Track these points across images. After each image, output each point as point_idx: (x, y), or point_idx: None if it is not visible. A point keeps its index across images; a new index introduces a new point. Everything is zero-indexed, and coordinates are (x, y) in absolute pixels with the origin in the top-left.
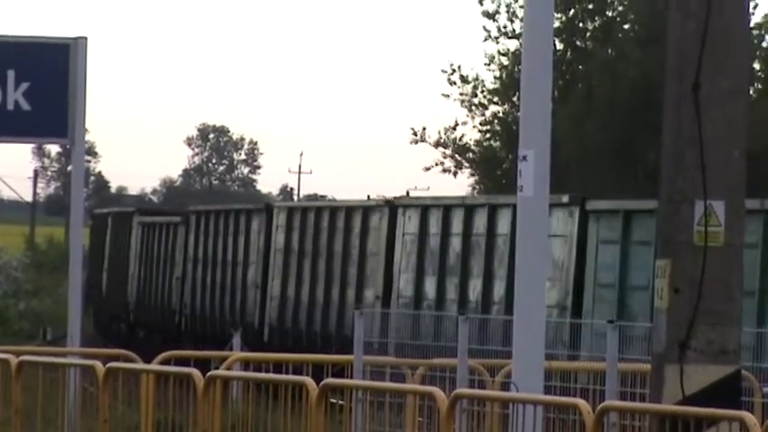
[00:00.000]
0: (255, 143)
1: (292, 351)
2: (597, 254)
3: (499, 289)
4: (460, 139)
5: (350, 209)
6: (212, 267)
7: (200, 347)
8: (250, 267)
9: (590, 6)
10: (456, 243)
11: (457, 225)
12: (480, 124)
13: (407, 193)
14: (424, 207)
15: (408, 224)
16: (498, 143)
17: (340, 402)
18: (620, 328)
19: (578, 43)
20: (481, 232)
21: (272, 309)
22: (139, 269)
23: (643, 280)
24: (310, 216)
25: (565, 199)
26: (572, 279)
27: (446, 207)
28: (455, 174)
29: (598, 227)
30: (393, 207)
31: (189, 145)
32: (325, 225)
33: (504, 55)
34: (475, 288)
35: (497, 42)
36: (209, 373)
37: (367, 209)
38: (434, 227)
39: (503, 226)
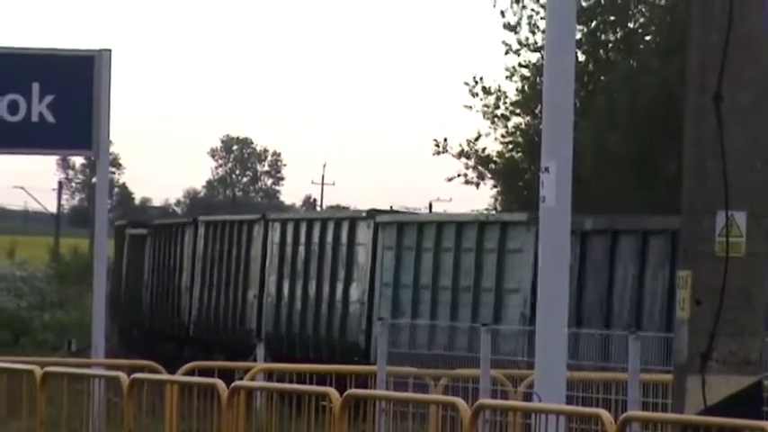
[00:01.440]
0: (279, 155)
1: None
2: (383, 258)
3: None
4: (483, 151)
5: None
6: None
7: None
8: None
9: (612, 18)
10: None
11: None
12: (502, 136)
13: (431, 205)
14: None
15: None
16: (520, 154)
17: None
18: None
19: (600, 54)
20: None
21: (267, 314)
22: (151, 278)
23: (409, 279)
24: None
25: (364, 214)
26: (368, 279)
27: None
28: (477, 185)
29: (384, 235)
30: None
31: (212, 156)
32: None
33: (525, 67)
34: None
35: (519, 55)
36: (233, 384)
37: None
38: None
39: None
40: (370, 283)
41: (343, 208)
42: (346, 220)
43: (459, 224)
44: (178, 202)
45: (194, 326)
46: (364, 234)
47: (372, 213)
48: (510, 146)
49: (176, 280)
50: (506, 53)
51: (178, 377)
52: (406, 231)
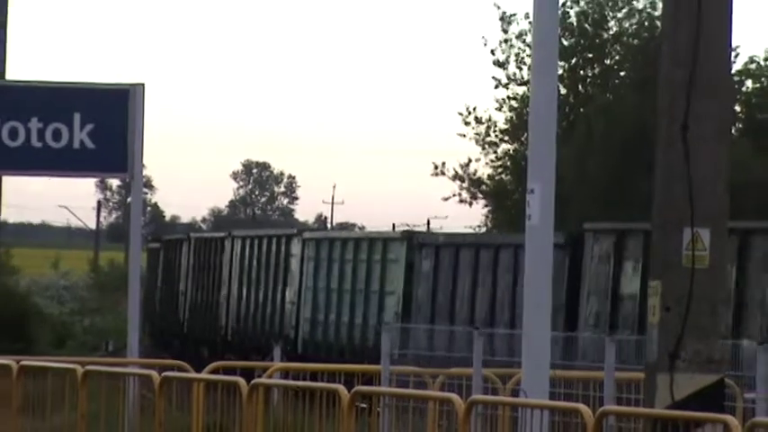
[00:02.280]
0: (293, 177)
1: (325, 361)
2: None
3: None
4: (475, 174)
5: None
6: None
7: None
8: (288, 288)
9: (590, 56)
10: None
11: None
12: (492, 161)
13: (428, 222)
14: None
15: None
16: (509, 177)
17: (362, 405)
18: None
19: (580, 88)
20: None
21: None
22: (190, 288)
23: (324, 284)
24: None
25: (294, 231)
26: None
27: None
28: (470, 204)
29: (307, 249)
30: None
31: (234, 179)
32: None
33: (513, 99)
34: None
35: (507, 88)
36: (252, 382)
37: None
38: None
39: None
40: (298, 287)
41: (351, 224)
42: (293, 236)
43: (356, 240)
44: (204, 220)
45: (232, 330)
46: (296, 247)
47: (300, 231)
48: (499, 169)
49: (216, 289)
50: (496, 87)
51: (204, 375)
52: (322, 246)
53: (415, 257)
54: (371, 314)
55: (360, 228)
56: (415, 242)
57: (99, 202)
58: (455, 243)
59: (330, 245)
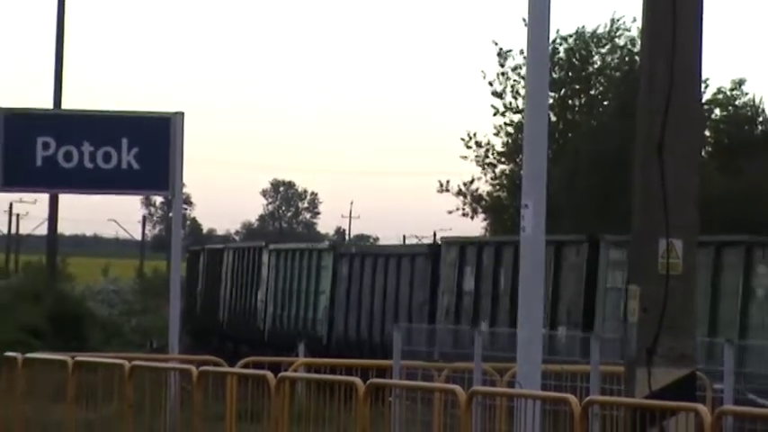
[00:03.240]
0: (316, 194)
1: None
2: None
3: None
4: (476, 191)
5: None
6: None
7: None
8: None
9: (577, 87)
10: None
11: None
12: (491, 179)
13: (435, 234)
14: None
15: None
16: (505, 194)
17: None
18: None
19: (568, 116)
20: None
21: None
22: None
23: (283, 285)
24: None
25: (263, 243)
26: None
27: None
28: (472, 217)
29: (277, 259)
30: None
31: (264, 196)
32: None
33: (509, 125)
34: None
35: (504, 116)
36: (279, 375)
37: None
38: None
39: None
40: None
41: (366, 236)
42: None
43: (302, 251)
44: (237, 232)
45: (269, 330)
46: (266, 258)
47: (267, 243)
48: (497, 187)
49: (253, 294)
50: (494, 114)
51: (236, 369)
52: (281, 255)
53: (339, 264)
54: (308, 308)
55: (374, 239)
56: (338, 252)
57: (144, 217)
58: (365, 253)
59: (286, 253)
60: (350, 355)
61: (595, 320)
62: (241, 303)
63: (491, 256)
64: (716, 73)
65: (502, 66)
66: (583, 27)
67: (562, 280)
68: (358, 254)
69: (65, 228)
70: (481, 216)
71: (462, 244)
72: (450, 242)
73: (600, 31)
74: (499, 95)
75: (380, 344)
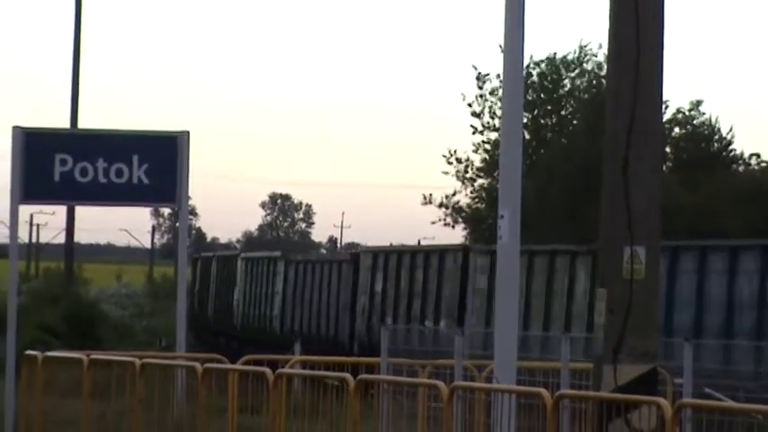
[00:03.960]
0: (310, 206)
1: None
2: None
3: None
4: (456, 203)
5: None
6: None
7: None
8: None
9: (549, 108)
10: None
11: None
12: (470, 192)
13: (419, 242)
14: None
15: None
16: (483, 206)
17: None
18: None
19: (541, 134)
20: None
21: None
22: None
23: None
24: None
25: (237, 251)
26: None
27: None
28: (453, 227)
29: (246, 267)
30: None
31: (263, 207)
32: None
33: (487, 143)
34: None
35: (482, 134)
36: (277, 371)
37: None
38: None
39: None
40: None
41: (356, 244)
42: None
43: (259, 259)
44: (238, 241)
45: (282, 334)
46: (239, 266)
47: (239, 252)
48: (476, 200)
49: (269, 300)
50: (473, 133)
51: (238, 366)
52: (249, 263)
53: (289, 270)
54: (264, 307)
55: (364, 246)
56: (288, 260)
57: (153, 227)
58: (306, 260)
59: (259, 261)
60: (278, 343)
61: (466, 316)
62: (256, 308)
63: (395, 262)
64: (675, 94)
65: (480, 88)
66: (554, 53)
67: (444, 282)
68: (302, 261)
69: (81, 237)
70: (461, 226)
71: (375, 252)
72: (365, 251)
73: (569, 56)
74: (478, 116)
75: (317, 335)
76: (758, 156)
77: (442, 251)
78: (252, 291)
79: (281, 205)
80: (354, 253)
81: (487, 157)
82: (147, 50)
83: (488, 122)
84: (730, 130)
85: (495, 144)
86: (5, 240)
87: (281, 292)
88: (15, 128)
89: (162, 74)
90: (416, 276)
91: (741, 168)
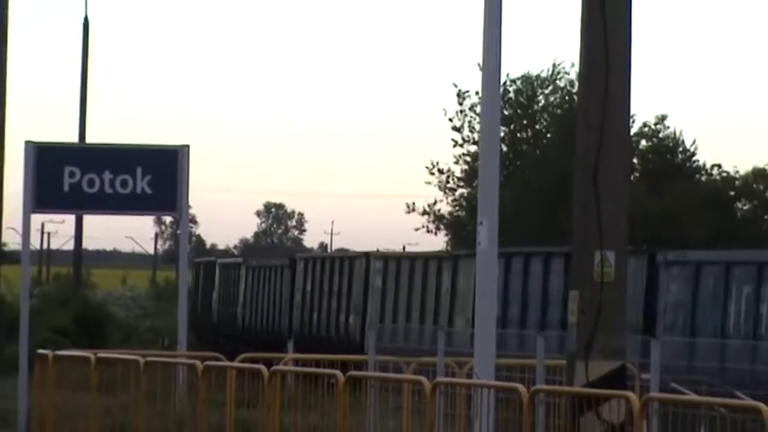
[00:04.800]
0: (302, 214)
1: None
2: (217, 283)
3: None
4: (438, 211)
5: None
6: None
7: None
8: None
9: (524, 122)
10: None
11: None
12: (451, 201)
13: (404, 247)
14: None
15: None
16: (464, 213)
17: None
18: None
19: (517, 147)
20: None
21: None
22: (248, 301)
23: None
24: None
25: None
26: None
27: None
28: (435, 233)
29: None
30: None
31: (258, 215)
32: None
33: (467, 155)
34: None
35: (462, 147)
36: (272, 368)
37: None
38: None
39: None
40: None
41: (345, 250)
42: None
43: (232, 264)
44: (235, 247)
45: (243, 330)
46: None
47: (220, 258)
48: (457, 208)
49: (234, 300)
50: (454, 146)
51: (235, 364)
52: (222, 268)
53: (248, 274)
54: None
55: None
56: (247, 265)
57: (156, 234)
58: (257, 265)
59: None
60: (242, 337)
61: (367, 313)
62: (261, 312)
63: (319, 266)
64: (642, 109)
65: (460, 104)
66: (529, 71)
67: (353, 284)
68: (256, 267)
69: (88, 243)
70: (443, 233)
71: (306, 258)
72: (300, 257)
73: (543, 74)
74: (458, 130)
75: (264, 330)
76: (719, 166)
77: (351, 258)
78: (222, 292)
79: (275, 213)
80: (293, 258)
81: (467, 168)
82: (150, 71)
83: (468, 136)
84: (693, 142)
85: (475, 156)
86: (18, 247)
87: (242, 293)
88: (28, 142)
89: (164, 92)
90: (333, 279)
91: (704, 178)
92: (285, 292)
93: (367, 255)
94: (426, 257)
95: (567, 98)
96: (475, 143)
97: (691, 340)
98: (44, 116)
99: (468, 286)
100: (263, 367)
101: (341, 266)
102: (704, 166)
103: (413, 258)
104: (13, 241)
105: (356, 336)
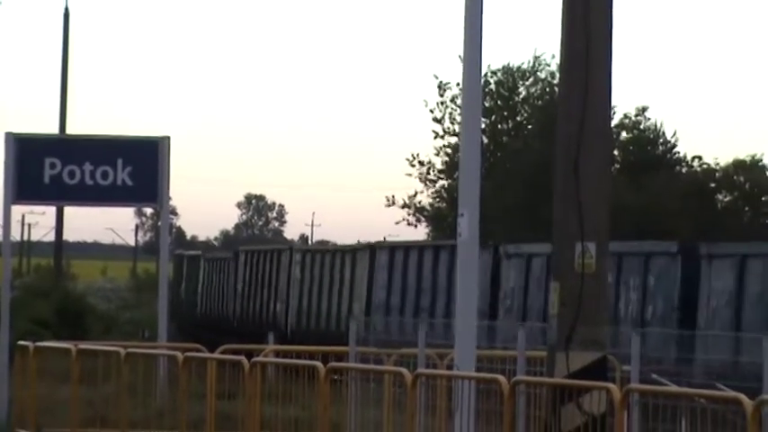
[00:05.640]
0: (283, 206)
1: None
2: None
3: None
4: (419, 203)
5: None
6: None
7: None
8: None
9: (505, 113)
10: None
11: None
12: (432, 193)
13: (384, 238)
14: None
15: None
16: (444, 205)
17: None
18: None
19: (498, 138)
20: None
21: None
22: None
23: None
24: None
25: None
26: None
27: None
28: (415, 226)
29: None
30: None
31: (239, 207)
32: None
33: (448, 147)
34: None
35: (443, 138)
36: (252, 360)
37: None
38: None
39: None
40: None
41: (326, 242)
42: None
43: (220, 259)
44: (216, 238)
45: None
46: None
47: (205, 251)
48: (437, 200)
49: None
50: (435, 137)
51: (216, 355)
52: (188, 260)
53: (207, 265)
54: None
55: (333, 244)
56: (205, 257)
57: (137, 226)
58: (214, 258)
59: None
60: (200, 323)
61: (289, 301)
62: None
63: (254, 258)
64: (622, 100)
65: (441, 96)
66: (509, 63)
67: (280, 275)
68: (216, 258)
69: (69, 235)
70: (423, 225)
71: (246, 251)
72: (243, 250)
73: (524, 66)
74: (439, 121)
75: (216, 317)
76: (700, 158)
77: (278, 251)
78: (186, 284)
79: (255, 205)
80: (236, 251)
81: (448, 160)
82: (130, 62)
83: (449, 128)
84: (674, 134)
85: (455, 148)
86: None
87: (202, 283)
88: (8, 134)
89: (145, 83)
90: (265, 269)
91: (684, 170)
92: (230, 283)
93: (291, 248)
94: (338, 250)
95: (547, 90)
96: (456, 135)
97: (671, 332)
98: (24, 108)
99: (362, 276)
100: (243, 358)
101: (271, 258)
102: (685, 157)
103: (328, 251)
104: None
105: (282, 322)
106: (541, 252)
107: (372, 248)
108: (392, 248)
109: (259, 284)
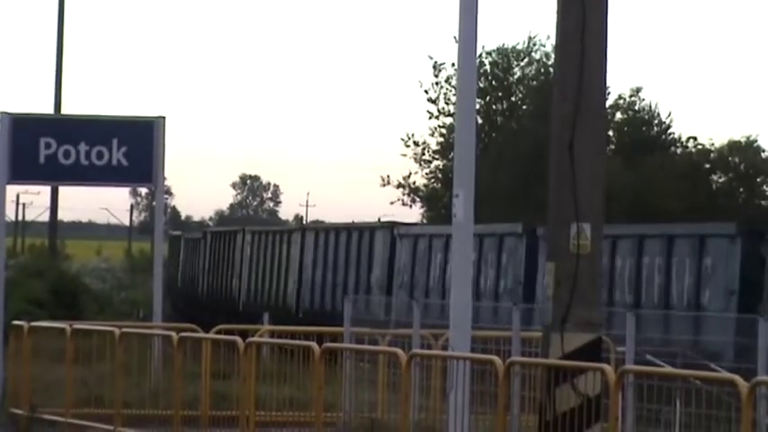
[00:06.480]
0: (278, 186)
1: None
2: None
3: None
4: (414, 184)
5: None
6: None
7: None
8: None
9: (500, 94)
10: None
11: None
12: (427, 174)
13: (379, 219)
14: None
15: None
16: (439, 186)
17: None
18: None
19: (493, 119)
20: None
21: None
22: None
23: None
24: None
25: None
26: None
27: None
28: (410, 206)
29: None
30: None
31: (233, 187)
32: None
33: (443, 127)
34: None
35: (438, 119)
36: (247, 340)
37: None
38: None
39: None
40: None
41: (320, 221)
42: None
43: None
44: (210, 219)
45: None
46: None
47: (204, 231)
48: (432, 180)
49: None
50: (429, 118)
51: (211, 335)
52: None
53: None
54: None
55: (328, 223)
56: (185, 238)
57: (131, 206)
58: (192, 237)
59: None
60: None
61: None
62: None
63: (214, 239)
64: (617, 81)
65: (436, 77)
66: (504, 44)
67: (234, 254)
68: (189, 239)
69: (64, 215)
70: (418, 205)
71: (211, 232)
72: (207, 231)
73: (519, 46)
74: (434, 102)
75: (189, 295)
76: (695, 139)
77: (233, 232)
78: (174, 263)
79: (250, 185)
80: (204, 232)
81: (443, 141)
82: (126, 42)
83: (444, 108)
84: (669, 115)
85: (450, 128)
86: None
87: (180, 262)
88: (3, 113)
89: (140, 63)
90: (223, 250)
91: (679, 150)
92: (200, 261)
93: (243, 230)
94: (277, 232)
95: (542, 70)
96: (450, 115)
97: (665, 313)
98: (19, 87)
99: (295, 255)
100: (238, 339)
101: (227, 240)
102: (680, 138)
103: (273, 232)
104: None
105: (236, 297)
106: (437, 233)
107: (303, 230)
108: (318, 231)
109: (219, 263)
